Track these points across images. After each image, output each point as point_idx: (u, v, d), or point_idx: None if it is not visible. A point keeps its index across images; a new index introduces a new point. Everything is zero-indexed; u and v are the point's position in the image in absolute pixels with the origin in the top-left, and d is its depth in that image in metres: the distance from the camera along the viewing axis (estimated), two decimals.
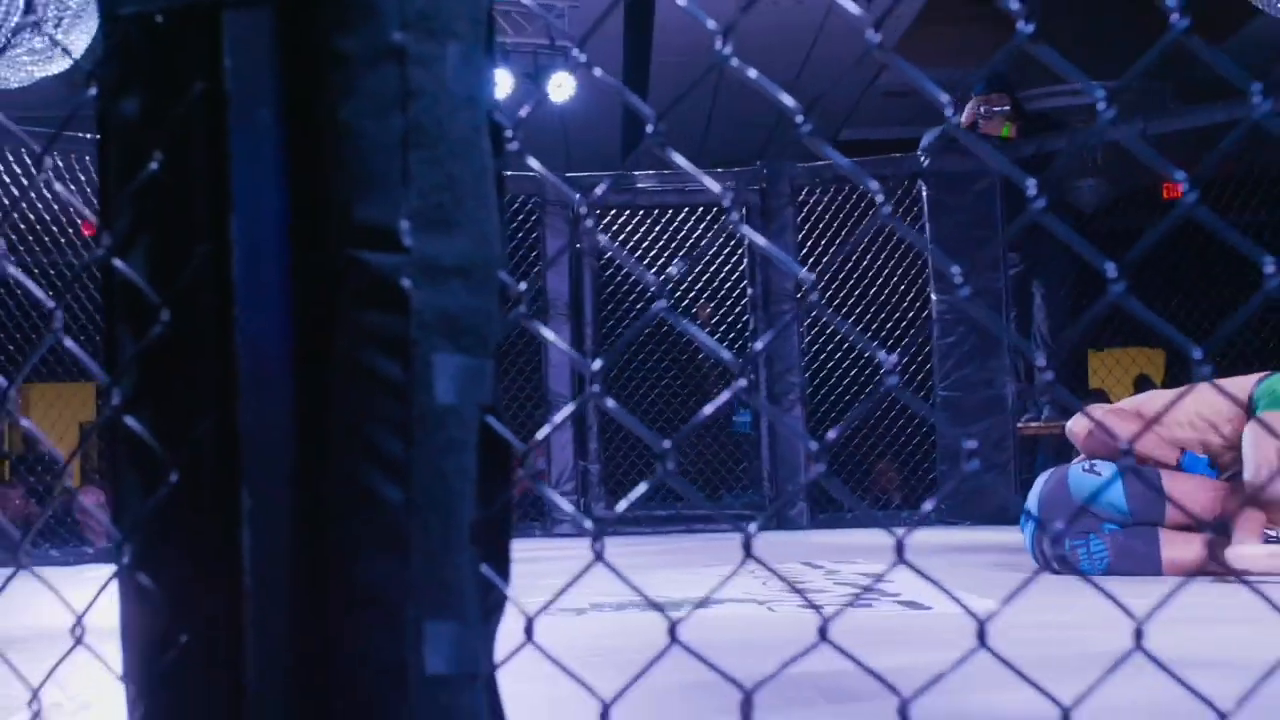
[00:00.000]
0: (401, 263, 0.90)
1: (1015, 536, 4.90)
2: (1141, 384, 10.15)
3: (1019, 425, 7.33)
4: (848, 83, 9.81)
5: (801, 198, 7.88)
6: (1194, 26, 0.86)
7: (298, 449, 0.91)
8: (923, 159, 7.58)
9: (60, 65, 6.17)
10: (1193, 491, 3.97)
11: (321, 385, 0.90)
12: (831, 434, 1.03)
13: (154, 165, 0.93)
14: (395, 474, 0.89)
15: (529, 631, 0.99)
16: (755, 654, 1.41)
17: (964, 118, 7.56)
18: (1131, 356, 10.34)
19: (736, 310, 8.01)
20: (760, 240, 1.00)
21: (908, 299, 7.68)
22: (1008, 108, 7.60)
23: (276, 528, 0.90)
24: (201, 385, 0.92)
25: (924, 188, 7.59)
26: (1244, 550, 3.78)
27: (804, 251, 7.79)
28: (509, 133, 0.96)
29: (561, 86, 9.19)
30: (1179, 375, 10.06)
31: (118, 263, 0.96)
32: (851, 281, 7.72)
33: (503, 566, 0.95)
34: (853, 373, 7.66)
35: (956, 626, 1.13)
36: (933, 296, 7.57)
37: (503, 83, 9.35)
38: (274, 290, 0.91)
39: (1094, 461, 4.19)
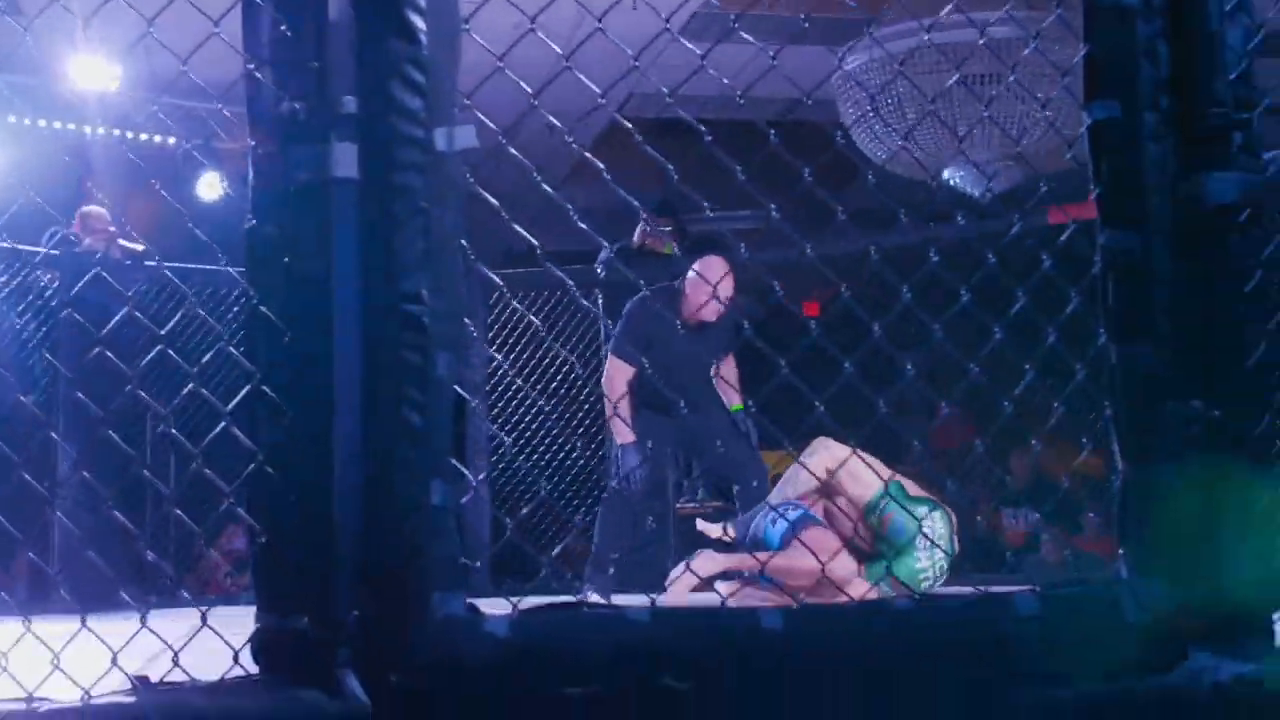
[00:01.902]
0: None
1: None
2: None
3: (677, 506, 8.46)
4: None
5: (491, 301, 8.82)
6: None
7: None
8: (600, 270, 8.64)
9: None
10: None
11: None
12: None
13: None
14: None
15: None
16: None
17: (635, 237, 8.75)
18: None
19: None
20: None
21: (584, 392, 8.73)
22: (670, 229, 8.87)
23: None
24: None
25: (599, 295, 8.66)
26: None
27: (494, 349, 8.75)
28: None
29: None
30: None
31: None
32: (535, 375, 8.77)
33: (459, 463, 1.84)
34: (535, 456, 8.67)
35: None
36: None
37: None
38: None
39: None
